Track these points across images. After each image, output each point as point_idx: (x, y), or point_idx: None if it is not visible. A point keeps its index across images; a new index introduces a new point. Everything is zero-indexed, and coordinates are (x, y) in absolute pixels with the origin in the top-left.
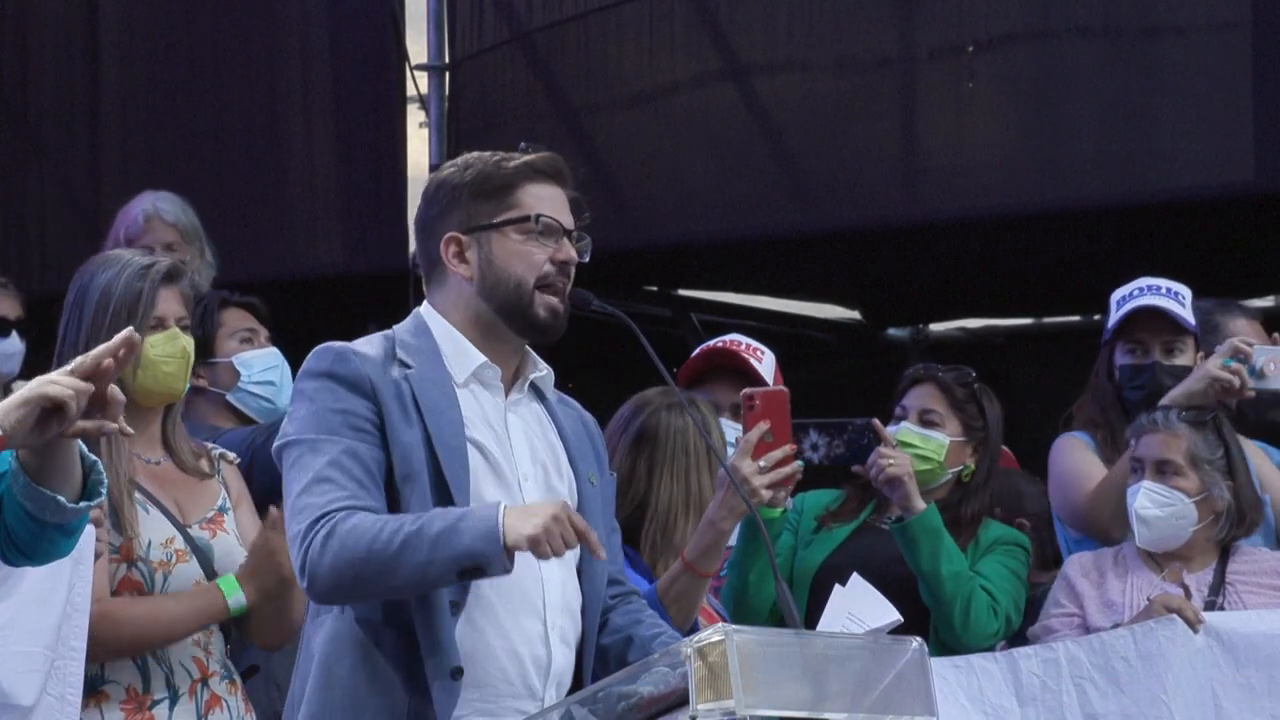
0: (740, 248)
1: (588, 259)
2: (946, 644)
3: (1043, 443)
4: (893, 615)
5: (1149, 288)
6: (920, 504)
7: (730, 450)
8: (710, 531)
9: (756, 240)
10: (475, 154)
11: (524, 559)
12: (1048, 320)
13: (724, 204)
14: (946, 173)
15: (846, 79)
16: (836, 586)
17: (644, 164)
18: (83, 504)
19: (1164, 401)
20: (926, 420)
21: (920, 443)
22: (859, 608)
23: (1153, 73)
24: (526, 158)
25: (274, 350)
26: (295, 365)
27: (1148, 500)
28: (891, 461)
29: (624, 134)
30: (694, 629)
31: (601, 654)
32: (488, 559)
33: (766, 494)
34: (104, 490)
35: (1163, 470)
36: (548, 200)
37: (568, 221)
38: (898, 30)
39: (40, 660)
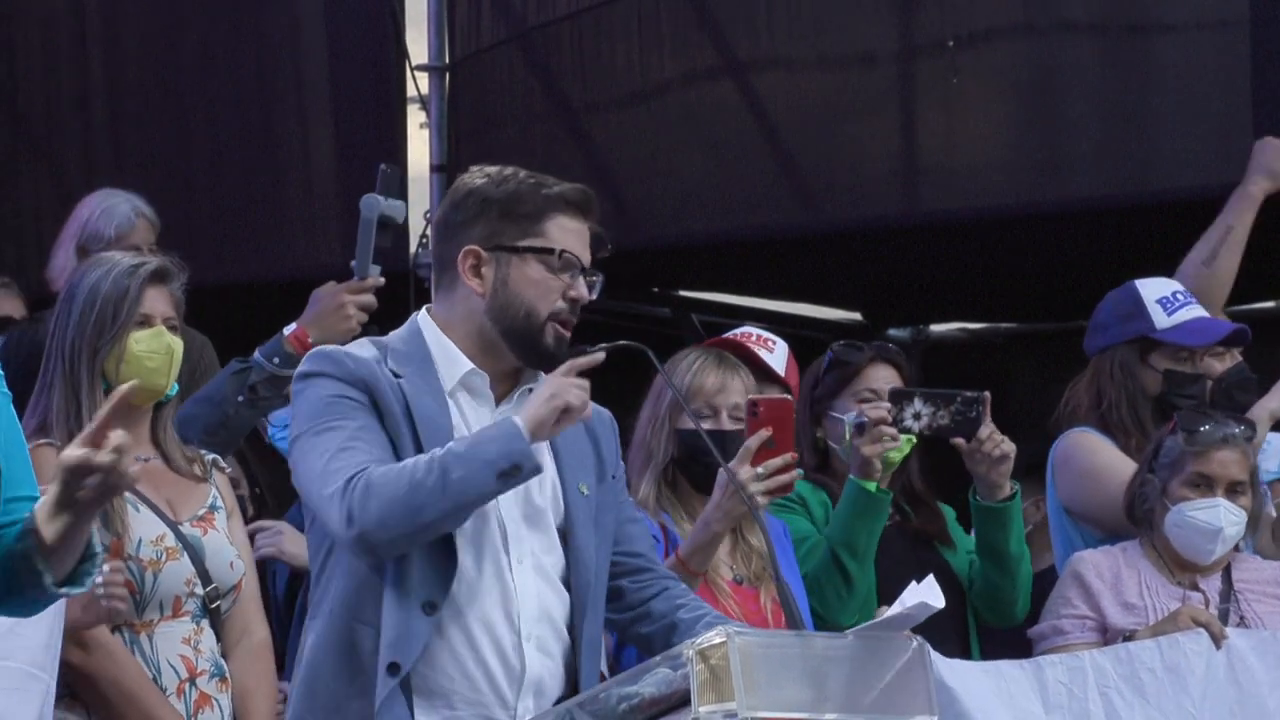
0: (740, 248)
1: (596, 295)
2: (993, 627)
3: (1043, 443)
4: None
5: (1189, 295)
6: (1009, 485)
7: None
8: (704, 532)
9: (756, 240)
10: (511, 169)
11: (494, 568)
12: (1048, 321)
13: (724, 204)
14: (946, 172)
15: (847, 78)
16: (912, 583)
17: (644, 163)
18: (62, 590)
19: (1250, 415)
20: None
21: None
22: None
23: (1152, 72)
24: (560, 188)
25: None
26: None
27: (1228, 520)
28: (1004, 439)
29: (624, 133)
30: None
31: (646, 643)
32: (523, 455)
33: (763, 500)
34: (89, 582)
35: (1235, 490)
36: (574, 234)
37: (586, 259)
38: (897, 30)
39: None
